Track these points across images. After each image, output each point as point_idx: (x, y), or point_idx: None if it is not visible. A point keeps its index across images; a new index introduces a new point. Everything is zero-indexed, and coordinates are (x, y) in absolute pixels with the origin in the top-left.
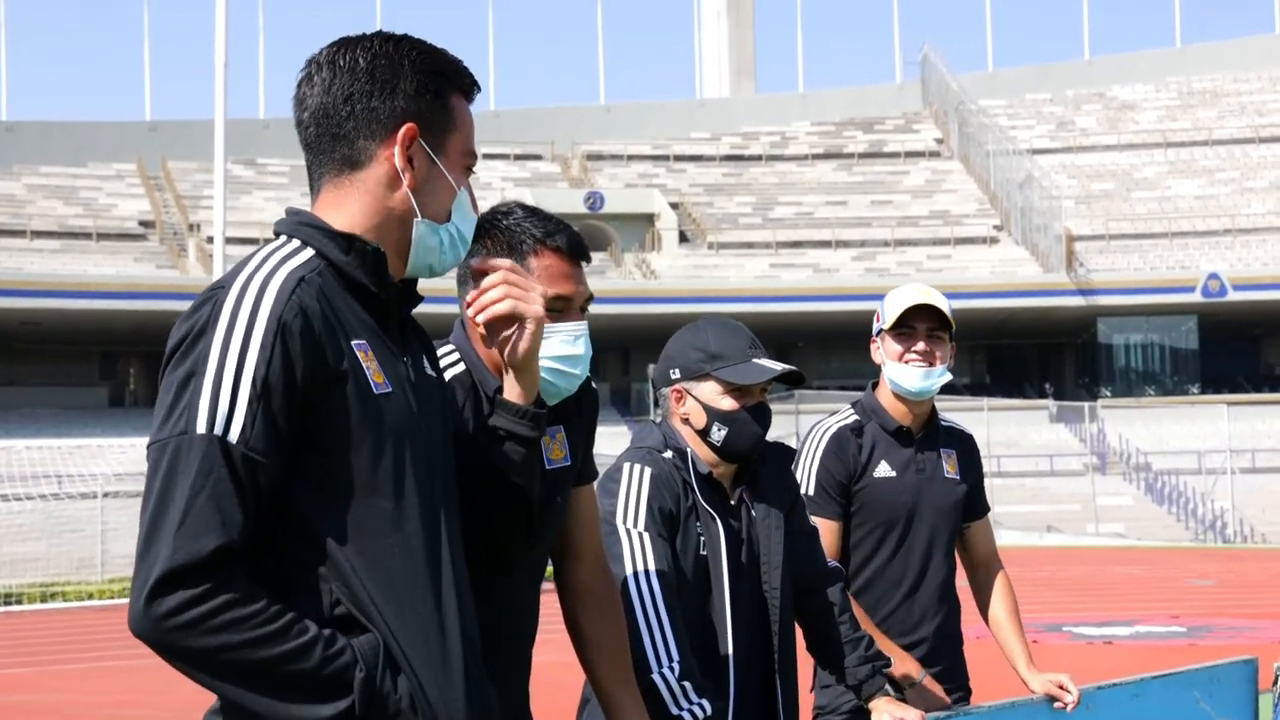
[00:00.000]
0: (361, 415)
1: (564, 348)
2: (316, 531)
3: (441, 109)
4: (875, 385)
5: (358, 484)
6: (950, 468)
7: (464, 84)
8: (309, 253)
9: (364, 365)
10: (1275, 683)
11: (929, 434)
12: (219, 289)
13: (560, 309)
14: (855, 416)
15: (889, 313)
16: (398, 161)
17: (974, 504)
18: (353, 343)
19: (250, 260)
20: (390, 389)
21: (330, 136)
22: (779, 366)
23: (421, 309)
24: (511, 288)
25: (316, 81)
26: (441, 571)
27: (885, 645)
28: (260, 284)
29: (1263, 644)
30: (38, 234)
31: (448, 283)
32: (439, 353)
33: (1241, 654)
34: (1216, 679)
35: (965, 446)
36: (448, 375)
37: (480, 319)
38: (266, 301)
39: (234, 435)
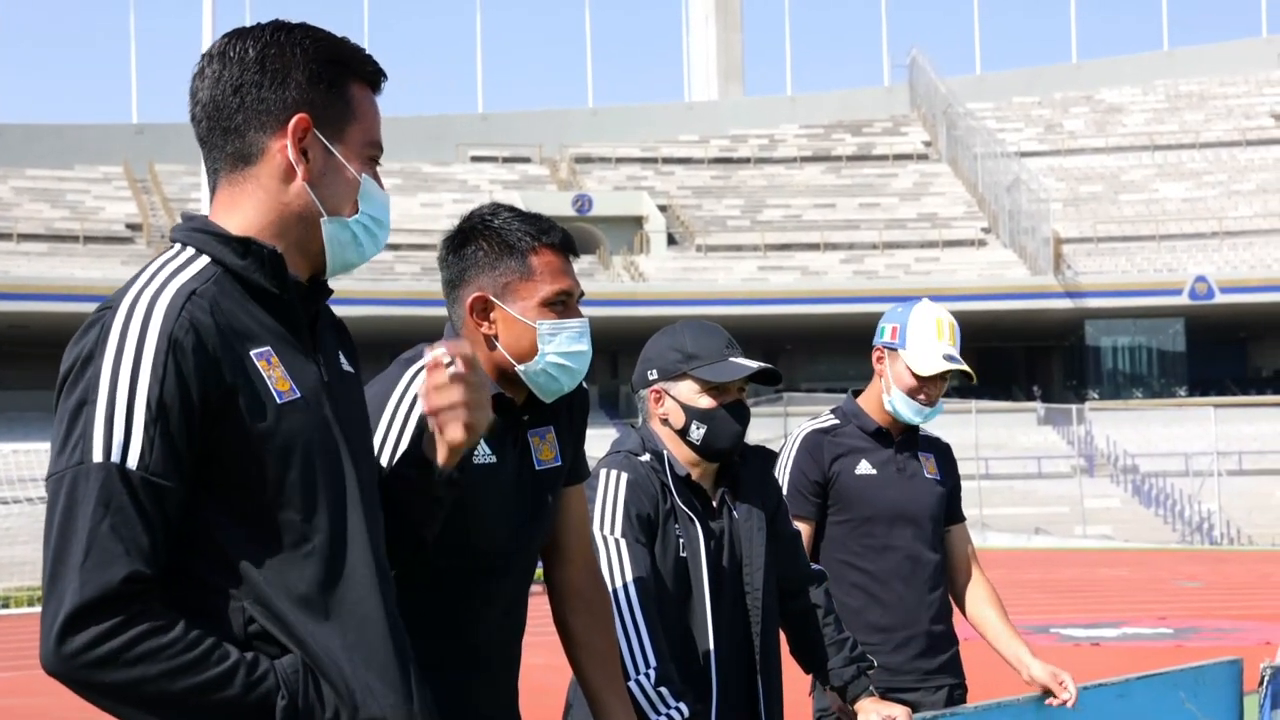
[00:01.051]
0: (264, 428)
1: (570, 344)
2: (226, 550)
3: (339, 99)
4: (857, 393)
5: (265, 498)
6: (930, 469)
7: (365, 72)
8: (203, 260)
9: (266, 375)
10: (1260, 683)
11: (908, 438)
12: (106, 310)
13: (564, 303)
14: (834, 420)
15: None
16: (290, 153)
17: (953, 508)
18: (253, 352)
19: (140, 276)
20: (297, 395)
21: (221, 130)
22: (754, 365)
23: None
24: (469, 392)
25: (208, 74)
26: (357, 577)
27: None
28: (148, 302)
29: (1249, 645)
30: (24, 237)
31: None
32: (414, 367)
33: (1228, 655)
34: (1202, 679)
35: (943, 453)
36: (414, 386)
37: (424, 409)
38: (155, 320)
39: (132, 461)
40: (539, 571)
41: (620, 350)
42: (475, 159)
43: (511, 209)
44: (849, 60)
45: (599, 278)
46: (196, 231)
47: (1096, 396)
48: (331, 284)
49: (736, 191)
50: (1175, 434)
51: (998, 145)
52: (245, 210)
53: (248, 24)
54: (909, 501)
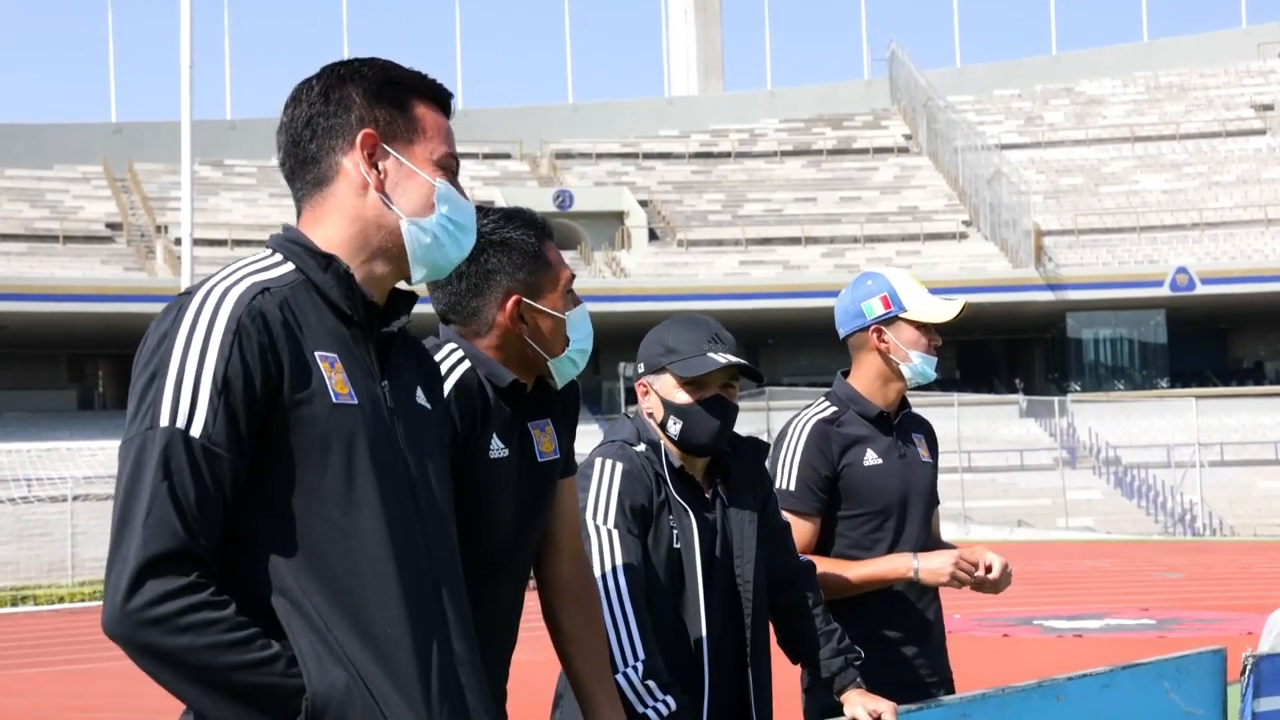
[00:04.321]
0: (312, 418)
1: (585, 326)
2: (260, 541)
3: (402, 115)
4: (846, 374)
5: (301, 490)
6: (924, 451)
7: (423, 87)
8: (288, 267)
9: (326, 375)
10: (1243, 673)
11: (903, 420)
12: (185, 296)
13: (572, 289)
14: (833, 408)
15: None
16: (361, 166)
17: (937, 491)
18: (317, 353)
19: (225, 269)
20: (355, 401)
21: (301, 164)
22: (724, 359)
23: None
24: None
25: (284, 123)
26: (411, 586)
27: (875, 565)
28: (222, 291)
29: (1231, 635)
30: (3, 237)
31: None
32: (438, 356)
33: (1210, 645)
34: (1186, 670)
35: (929, 432)
36: (454, 376)
37: None
38: (226, 306)
39: (196, 429)
40: None
41: (602, 346)
42: None
43: (484, 208)
44: (829, 54)
45: (580, 273)
46: (289, 241)
47: (1078, 389)
48: None
49: (717, 186)
50: (1157, 425)
51: (978, 138)
52: (327, 225)
53: (227, 22)
54: (912, 489)
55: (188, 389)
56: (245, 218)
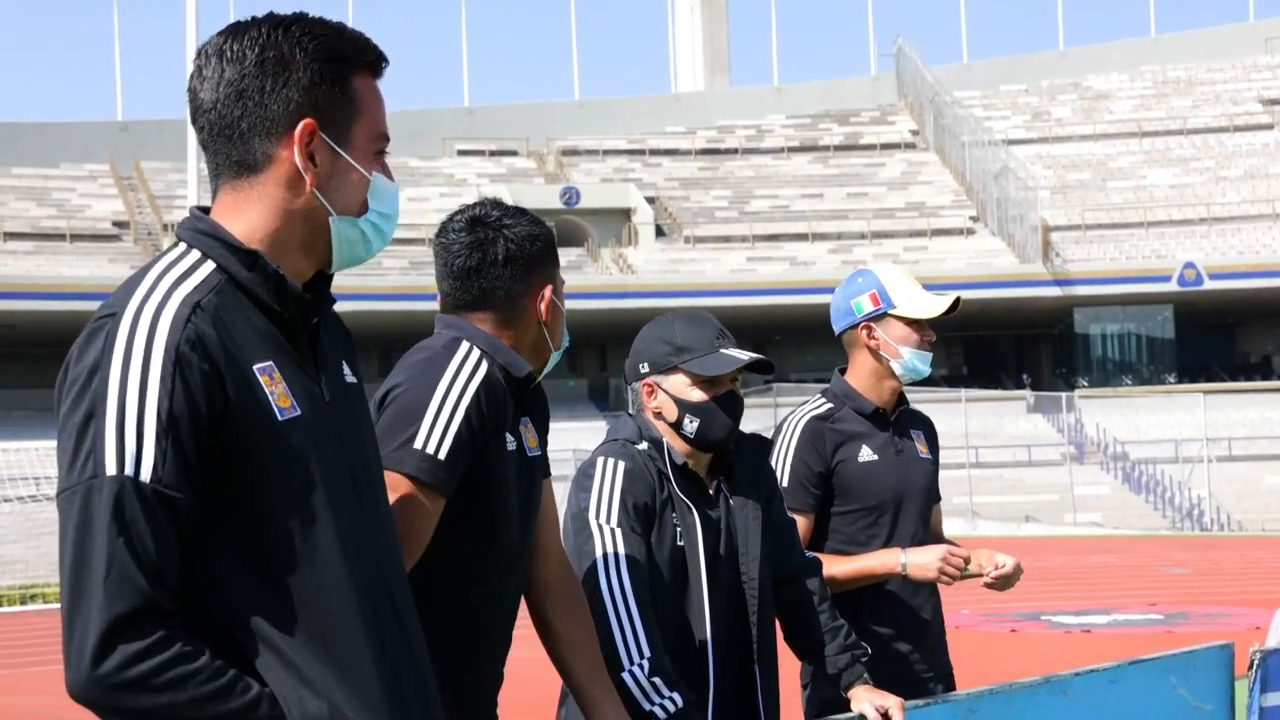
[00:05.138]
0: (264, 445)
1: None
2: (220, 573)
3: (342, 96)
4: (843, 371)
5: (259, 519)
6: (922, 448)
7: (365, 62)
8: (208, 267)
9: (268, 391)
10: (1251, 668)
11: (900, 416)
12: (109, 318)
13: None
14: (828, 404)
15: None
16: (298, 161)
17: (937, 487)
18: (255, 367)
19: (142, 280)
20: (298, 412)
21: (224, 138)
22: (746, 356)
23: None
24: None
25: (206, 76)
26: (368, 595)
27: (869, 561)
28: (153, 314)
29: (1239, 630)
30: (10, 235)
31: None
32: (456, 356)
33: (1218, 640)
34: (1193, 665)
35: (929, 428)
36: (478, 378)
37: None
38: (161, 332)
39: (145, 474)
40: None
41: (609, 342)
42: (462, 153)
43: (499, 203)
44: (835, 50)
45: (587, 270)
46: (204, 235)
47: (1085, 384)
48: None
49: (724, 182)
50: (1164, 421)
51: (985, 133)
52: (250, 217)
53: (232, 19)
54: (909, 485)
55: (131, 430)
56: None
